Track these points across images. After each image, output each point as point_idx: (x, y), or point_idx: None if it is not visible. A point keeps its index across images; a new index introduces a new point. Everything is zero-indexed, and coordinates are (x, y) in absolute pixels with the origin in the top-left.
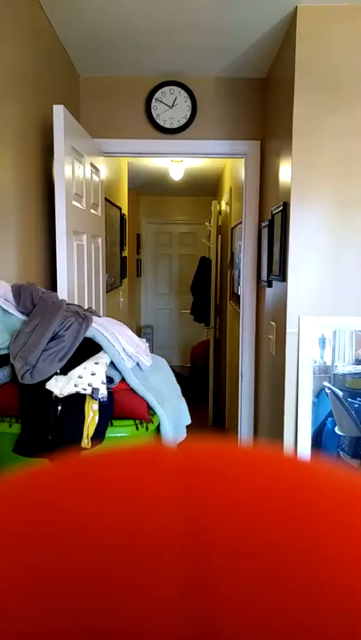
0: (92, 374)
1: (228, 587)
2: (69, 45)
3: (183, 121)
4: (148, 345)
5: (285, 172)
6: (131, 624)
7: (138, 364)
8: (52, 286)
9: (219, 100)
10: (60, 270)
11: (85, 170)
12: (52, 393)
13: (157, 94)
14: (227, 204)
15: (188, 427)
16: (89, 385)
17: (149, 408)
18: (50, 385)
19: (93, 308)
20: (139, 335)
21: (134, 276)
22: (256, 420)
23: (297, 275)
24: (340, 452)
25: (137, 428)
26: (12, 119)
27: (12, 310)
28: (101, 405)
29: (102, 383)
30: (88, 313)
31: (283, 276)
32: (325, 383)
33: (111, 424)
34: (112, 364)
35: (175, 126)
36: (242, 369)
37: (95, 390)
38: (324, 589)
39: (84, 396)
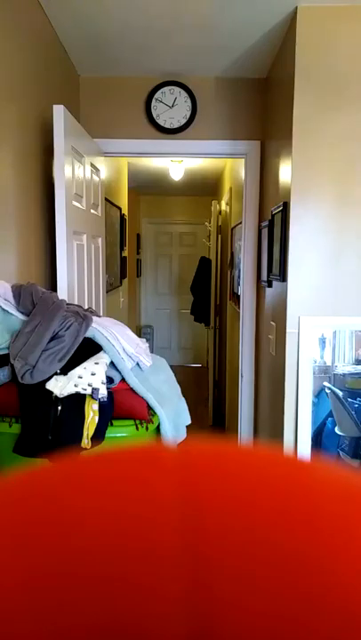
0: (92, 374)
1: (229, 586)
2: (69, 45)
3: (183, 121)
4: (148, 345)
5: (285, 172)
6: (131, 624)
7: (138, 364)
8: (52, 286)
9: (219, 100)
10: (60, 270)
11: (85, 170)
12: (52, 393)
13: (157, 94)
14: (227, 204)
15: (188, 427)
16: (89, 385)
17: (149, 408)
18: (50, 385)
19: (93, 307)
20: (139, 335)
21: (134, 275)
22: (256, 420)
23: (297, 275)
24: (340, 452)
25: (137, 428)
26: (12, 119)
27: (12, 310)
28: (101, 405)
29: (102, 383)
30: (88, 313)
31: (283, 276)
32: (325, 383)
33: (111, 424)
34: (112, 364)
35: (175, 126)
36: (242, 369)
37: (95, 390)
38: (324, 589)
39: (84, 396)
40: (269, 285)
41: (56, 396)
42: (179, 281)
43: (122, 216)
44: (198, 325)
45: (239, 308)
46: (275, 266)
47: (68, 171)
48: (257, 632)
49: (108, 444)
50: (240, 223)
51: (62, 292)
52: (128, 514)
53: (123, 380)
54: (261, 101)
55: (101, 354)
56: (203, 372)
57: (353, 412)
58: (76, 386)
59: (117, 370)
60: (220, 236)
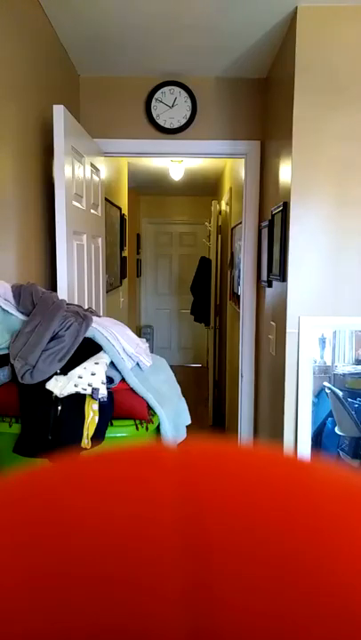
0: (92, 374)
1: (229, 587)
2: (69, 45)
3: (183, 121)
4: (148, 345)
5: (285, 172)
6: (131, 624)
7: (138, 364)
8: (52, 286)
9: (219, 100)
10: (60, 270)
11: (85, 170)
12: (52, 393)
13: (157, 94)
14: (227, 204)
15: (188, 427)
16: (89, 385)
17: (149, 408)
18: (50, 385)
19: (93, 307)
20: (139, 335)
21: (134, 275)
22: (256, 420)
23: (297, 275)
24: (340, 452)
25: (137, 428)
26: (12, 119)
27: (12, 310)
28: (101, 405)
29: (102, 383)
30: (88, 313)
31: (283, 276)
32: (325, 383)
33: (111, 424)
34: (112, 363)
35: (175, 126)
36: (242, 369)
37: (95, 390)
38: (324, 589)
39: (84, 396)
40: (269, 285)
41: (56, 396)
42: (179, 281)
43: (122, 216)
44: (198, 325)
45: (239, 308)
46: (275, 266)
47: (68, 171)
48: (257, 632)
49: (108, 444)
50: (240, 223)
51: (62, 292)
52: (128, 514)
53: (123, 380)
54: (261, 101)
55: (101, 354)
56: (203, 372)
57: (353, 412)
58: (76, 386)
59: (117, 370)
60: (220, 235)
